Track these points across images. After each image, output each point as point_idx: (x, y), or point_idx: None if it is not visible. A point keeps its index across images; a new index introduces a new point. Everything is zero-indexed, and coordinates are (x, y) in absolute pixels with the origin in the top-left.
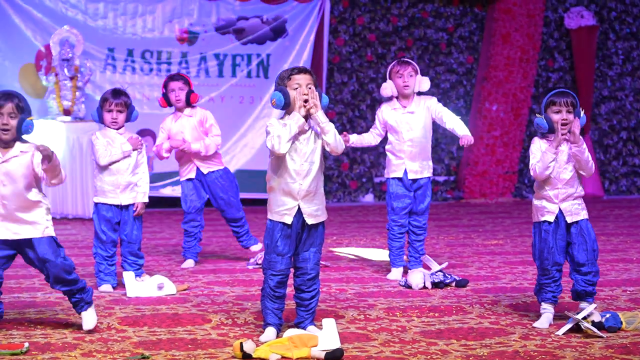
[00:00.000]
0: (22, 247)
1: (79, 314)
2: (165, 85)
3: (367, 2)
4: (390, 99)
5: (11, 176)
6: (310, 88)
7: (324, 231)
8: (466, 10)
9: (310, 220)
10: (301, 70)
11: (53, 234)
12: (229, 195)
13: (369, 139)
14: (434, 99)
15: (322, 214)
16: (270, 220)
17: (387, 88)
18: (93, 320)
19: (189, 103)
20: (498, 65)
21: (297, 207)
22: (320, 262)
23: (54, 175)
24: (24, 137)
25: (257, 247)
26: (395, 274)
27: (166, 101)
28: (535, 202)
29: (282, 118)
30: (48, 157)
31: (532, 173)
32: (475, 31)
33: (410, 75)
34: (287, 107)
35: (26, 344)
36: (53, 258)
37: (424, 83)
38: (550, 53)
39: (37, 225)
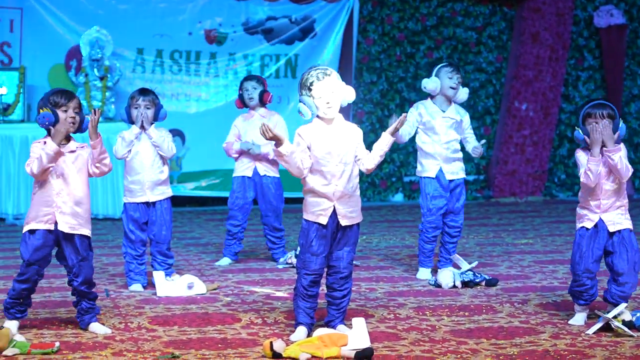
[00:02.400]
0: (62, 242)
1: (87, 325)
2: (240, 86)
3: (396, 2)
4: (426, 97)
5: (68, 169)
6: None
7: (358, 231)
8: (495, 9)
9: (344, 222)
10: (319, 79)
11: (90, 235)
12: (277, 204)
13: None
14: (468, 116)
15: (357, 215)
16: (306, 220)
17: (437, 84)
18: (106, 328)
19: (262, 103)
20: (527, 64)
21: (332, 208)
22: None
23: (101, 151)
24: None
25: (283, 259)
26: (425, 273)
27: (241, 101)
28: (579, 210)
29: (311, 120)
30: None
31: (584, 180)
32: (505, 30)
33: (459, 82)
34: (313, 115)
35: (57, 344)
36: (88, 259)
37: (464, 94)
38: (579, 52)
39: (86, 223)
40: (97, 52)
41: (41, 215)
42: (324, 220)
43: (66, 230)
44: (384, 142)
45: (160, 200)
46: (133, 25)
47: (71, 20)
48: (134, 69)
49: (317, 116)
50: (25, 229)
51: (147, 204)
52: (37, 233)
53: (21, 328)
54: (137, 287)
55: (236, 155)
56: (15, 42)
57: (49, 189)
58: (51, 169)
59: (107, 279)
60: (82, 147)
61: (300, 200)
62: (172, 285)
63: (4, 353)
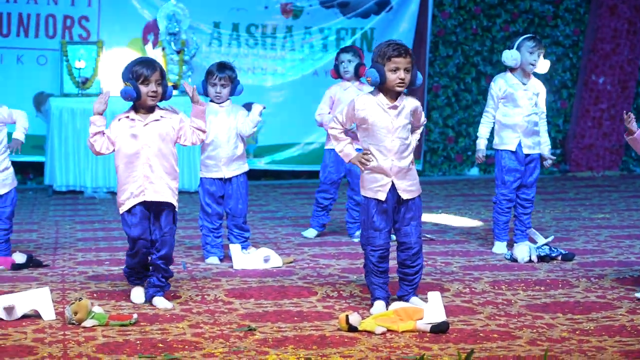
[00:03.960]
0: (151, 214)
1: (150, 298)
2: (336, 57)
3: None
4: (505, 71)
5: (154, 139)
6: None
7: (421, 204)
8: None
9: (405, 196)
10: (401, 53)
11: (177, 207)
12: None
13: (488, 130)
14: (545, 92)
15: (417, 189)
16: (365, 197)
17: (517, 59)
18: (168, 303)
19: (357, 76)
20: (605, 37)
21: (390, 183)
22: (426, 235)
23: (203, 122)
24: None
25: (359, 232)
26: (500, 247)
27: (337, 72)
28: None
29: (372, 92)
30: (195, 99)
31: None
32: (582, 3)
33: (540, 57)
34: (381, 85)
35: (135, 315)
36: (171, 234)
37: (545, 66)
38: None
39: (173, 194)
40: (174, 26)
41: (133, 191)
42: (382, 196)
43: (156, 198)
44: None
45: (237, 175)
46: None
47: None
48: (211, 43)
49: (380, 89)
50: (122, 210)
51: (222, 179)
52: (133, 209)
53: (99, 299)
54: (213, 259)
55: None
56: (93, 17)
57: (135, 163)
58: (138, 146)
59: (183, 251)
60: (165, 116)
61: None
62: (248, 258)
63: (83, 324)
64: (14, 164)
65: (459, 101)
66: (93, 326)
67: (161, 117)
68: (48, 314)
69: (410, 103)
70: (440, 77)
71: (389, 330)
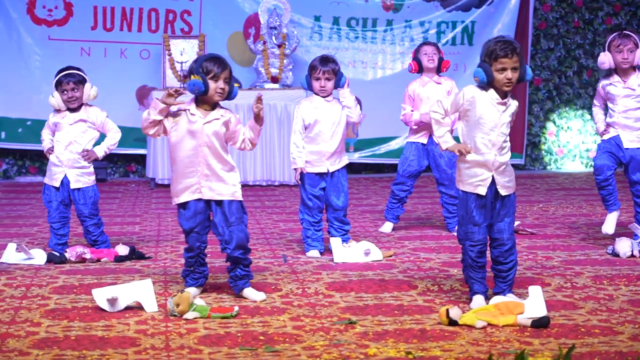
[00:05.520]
0: (213, 209)
1: (240, 290)
2: (417, 50)
3: None
4: (609, 73)
5: (212, 137)
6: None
7: (515, 200)
8: None
9: (503, 192)
10: (507, 54)
11: (242, 199)
12: (453, 172)
13: (601, 117)
14: None
15: (513, 185)
16: (463, 191)
17: (606, 62)
18: (261, 293)
19: (438, 70)
20: None
21: (491, 178)
22: (527, 229)
23: (256, 136)
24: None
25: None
26: (610, 220)
27: (418, 64)
28: None
29: (480, 86)
30: (260, 117)
31: None
32: None
33: (631, 51)
34: (488, 85)
35: (236, 308)
36: (239, 222)
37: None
38: None
39: (233, 187)
40: (275, 20)
41: (188, 186)
42: (482, 190)
43: (212, 197)
44: None
45: (338, 169)
46: None
47: None
48: (311, 37)
49: (490, 85)
50: (176, 201)
51: (325, 173)
52: (188, 204)
53: (201, 292)
54: (314, 253)
55: (415, 127)
56: (195, 11)
57: (193, 159)
58: (198, 140)
59: (284, 244)
60: (224, 115)
61: None
62: (349, 252)
63: (185, 316)
64: (117, 155)
65: (560, 95)
66: (195, 318)
67: (221, 115)
68: (150, 305)
69: (514, 102)
70: (541, 70)
71: (489, 325)
